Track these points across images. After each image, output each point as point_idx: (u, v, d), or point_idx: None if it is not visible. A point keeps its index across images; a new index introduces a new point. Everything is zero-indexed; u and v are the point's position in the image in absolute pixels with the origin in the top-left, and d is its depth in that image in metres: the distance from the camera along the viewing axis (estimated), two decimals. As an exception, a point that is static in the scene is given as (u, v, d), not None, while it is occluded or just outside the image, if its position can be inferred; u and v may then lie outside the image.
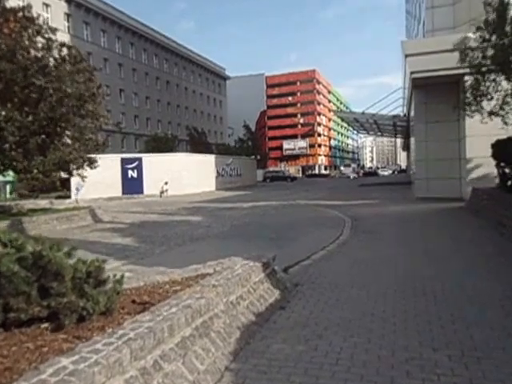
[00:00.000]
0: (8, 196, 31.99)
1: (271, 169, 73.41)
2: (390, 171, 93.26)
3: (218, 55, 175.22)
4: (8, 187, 32.44)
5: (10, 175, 22.08)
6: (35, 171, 12.18)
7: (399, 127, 37.60)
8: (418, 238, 8.62)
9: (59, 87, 10.92)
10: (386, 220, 11.96)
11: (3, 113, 10.60)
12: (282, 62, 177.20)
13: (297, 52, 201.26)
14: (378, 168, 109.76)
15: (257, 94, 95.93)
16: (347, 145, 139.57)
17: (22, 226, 12.93)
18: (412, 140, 24.66)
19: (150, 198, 29.28)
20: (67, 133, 14.31)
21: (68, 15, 42.89)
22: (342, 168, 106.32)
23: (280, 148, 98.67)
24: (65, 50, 12.97)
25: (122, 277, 3.14)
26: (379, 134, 55.55)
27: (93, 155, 15.42)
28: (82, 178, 16.08)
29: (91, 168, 15.49)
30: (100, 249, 8.72)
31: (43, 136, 11.67)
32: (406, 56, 17.28)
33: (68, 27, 42.76)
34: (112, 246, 9.13)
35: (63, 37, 33.19)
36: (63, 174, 17.00)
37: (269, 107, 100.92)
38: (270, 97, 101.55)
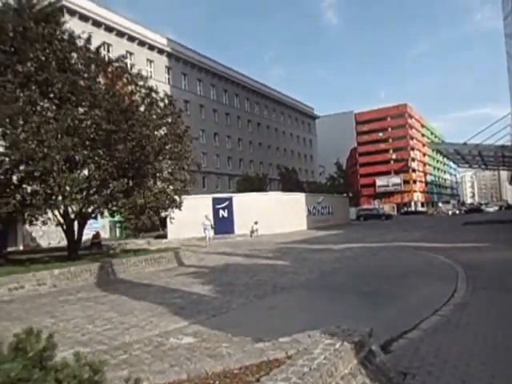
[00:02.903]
0: (118, 235, 34.63)
1: (364, 206, 69.84)
2: (497, 207, 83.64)
3: (307, 97, 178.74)
4: (118, 227, 35.16)
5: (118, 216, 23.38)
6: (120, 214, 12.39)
7: (507, 158, 33.28)
8: None
9: (141, 131, 11.12)
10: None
11: (96, 158, 11.06)
12: (370, 99, 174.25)
13: (386, 89, 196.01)
14: (480, 204, 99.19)
15: (346, 131, 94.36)
16: (445, 180, 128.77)
17: (113, 268, 13.12)
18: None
19: (240, 238, 29.05)
20: (157, 175, 14.70)
21: (168, 68, 47.04)
22: (440, 204, 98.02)
23: (373, 185, 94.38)
24: (155, 96, 13.54)
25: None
26: (483, 166, 49.96)
27: (181, 196, 15.58)
28: (170, 218, 16.29)
29: (178, 209, 15.65)
30: (176, 299, 8.07)
31: (125, 179, 11.92)
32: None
33: (168, 79, 46.77)
34: (189, 296, 8.44)
35: (164, 88, 36.22)
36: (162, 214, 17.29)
37: (359, 144, 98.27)
38: (360, 134, 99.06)
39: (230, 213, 32.56)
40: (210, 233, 24.02)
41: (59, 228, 14.66)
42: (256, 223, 30.27)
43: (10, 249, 20.60)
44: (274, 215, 32.34)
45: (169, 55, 46.63)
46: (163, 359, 3.74)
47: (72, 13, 35.12)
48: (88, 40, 13.99)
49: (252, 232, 30.31)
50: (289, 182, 56.87)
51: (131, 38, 41.84)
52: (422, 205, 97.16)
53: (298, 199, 37.98)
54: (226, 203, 32.91)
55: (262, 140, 62.99)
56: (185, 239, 27.89)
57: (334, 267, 11.93)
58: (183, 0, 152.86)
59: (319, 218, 40.40)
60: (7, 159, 11.71)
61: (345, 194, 59.03)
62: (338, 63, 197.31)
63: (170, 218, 15.06)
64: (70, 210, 14.12)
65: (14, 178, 12.68)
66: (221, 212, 32.57)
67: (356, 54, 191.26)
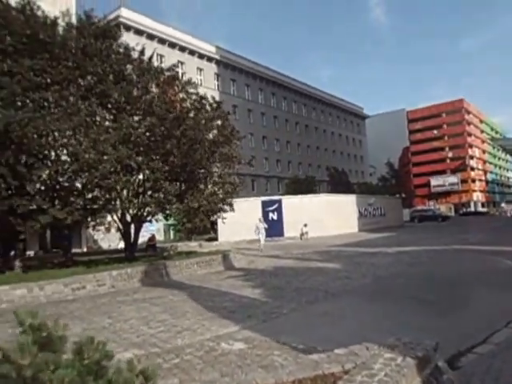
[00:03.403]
0: (172, 237, 35.82)
1: (419, 207, 66.77)
2: None
3: (357, 97, 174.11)
4: (171, 229, 36.37)
5: (174, 218, 23.95)
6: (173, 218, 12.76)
7: None
8: None
9: (193, 135, 11.38)
10: None
11: (150, 163, 11.50)
12: (423, 97, 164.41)
13: (439, 85, 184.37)
14: None
15: (398, 130, 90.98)
16: (508, 178, 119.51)
17: (166, 270, 13.49)
18: None
19: (290, 241, 28.89)
20: (208, 178, 15.01)
21: (217, 75, 48.01)
22: (502, 204, 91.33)
23: (427, 185, 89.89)
24: (204, 101, 13.88)
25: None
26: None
27: (231, 199, 15.77)
28: (223, 219, 16.54)
29: (231, 211, 15.86)
30: (226, 302, 8.09)
31: (178, 183, 12.26)
32: None
33: (218, 85, 47.72)
34: (239, 299, 8.43)
35: (214, 94, 36.99)
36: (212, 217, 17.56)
37: (412, 143, 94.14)
38: (412, 132, 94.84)
39: (280, 215, 32.49)
40: (264, 236, 22.61)
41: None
42: (305, 226, 29.94)
43: (74, 250, 21.95)
44: (324, 217, 31.83)
45: (217, 62, 47.62)
46: (214, 366, 3.71)
47: (128, 28, 37.27)
48: (142, 52, 14.67)
49: (302, 235, 30.00)
50: (338, 184, 55.89)
51: (182, 48, 43.27)
52: (483, 205, 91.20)
53: (349, 201, 37.14)
54: (276, 206, 32.88)
55: (311, 142, 62.39)
56: (235, 242, 28.21)
57: (389, 272, 11.43)
58: (231, 8, 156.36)
59: (371, 220, 39.23)
60: (70, 168, 12.49)
61: (397, 195, 57.02)
62: (389, 61, 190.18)
63: (222, 219, 15.26)
64: (126, 214, 14.80)
65: (78, 184, 13.48)
66: (270, 214, 32.57)
67: (406, 51, 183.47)
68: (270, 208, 32.84)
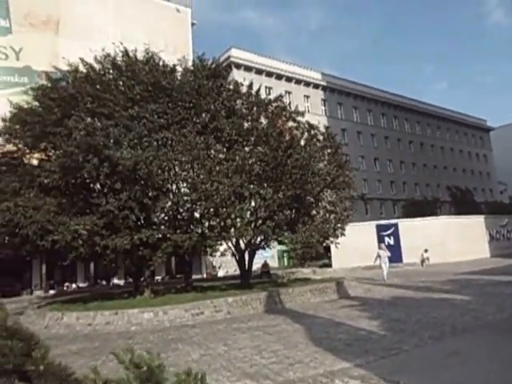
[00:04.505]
0: (285, 264, 36.24)
1: None
2: None
3: (478, 108, 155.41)
4: (285, 255, 36.86)
5: (287, 245, 24.34)
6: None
7: None
8: None
9: (305, 165, 11.47)
10: None
11: (261, 191, 11.93)
12: None
13: None
14: None
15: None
16: None
17: (280, 297, 13.53)
18: None
19: (409, 267, 26.83)
20: (320, 204, 14.93)
21: (324, 100, 48.29)
22: None
23: None
24: (314, 130, 14.04)
25: None
26: None
27: (343, 225, 15.36)
28: (336, 243, 16.16)
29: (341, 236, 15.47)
30: (341, 334, 7.71)
31: (289, 211, 12.38)
32: None
33: (325, 110, 47.91)
34: (355, 331, 7.97)
35: (321, 119, 37.27)
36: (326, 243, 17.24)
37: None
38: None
39: (397, 240, 30.55)
40: (387, 265, 19.43)
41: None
42: (426, 251, 27.53)
43: (194, 276, 23.60)
44: (447, 242, 28.91)
45: (324, 88, 48.08)
46: (328, 405, 3.51)
47: (238, 66, 40.65)
48: (250, 86, 15.57)
49: (422, 261, 27.58)
50: (462, 204, 50.48)
51: (289, 79, 44.90)
52: None
53: (476, 222, 33.17)
54: (392, 230, 31.08)
55: (427, 160, 58.02)
56: (350, 268, 27.26)
57: (535, 307, 9.70)
58: (336, 34, 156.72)
59: (505, 244, 34.40)
60: (189, 199, 13.60)
61: (539, 214, 48.90)
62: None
63: (336, 243, 14.98)
64: (241, 241, 15.43)
65: (196, 214, 14.58)
66: (386, 239, 30.80)
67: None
68: (386, 232, 31.16)
